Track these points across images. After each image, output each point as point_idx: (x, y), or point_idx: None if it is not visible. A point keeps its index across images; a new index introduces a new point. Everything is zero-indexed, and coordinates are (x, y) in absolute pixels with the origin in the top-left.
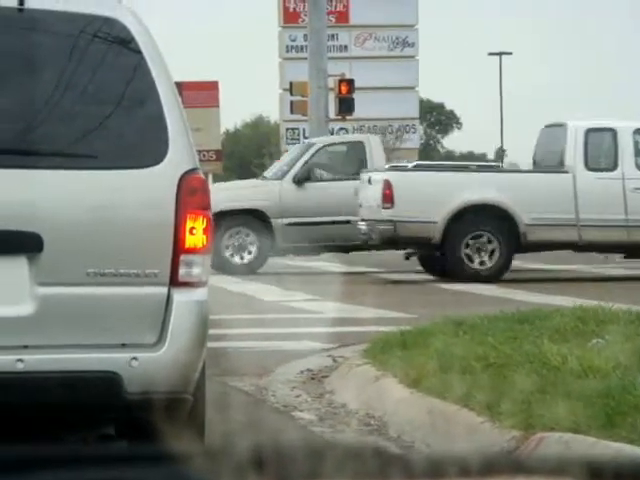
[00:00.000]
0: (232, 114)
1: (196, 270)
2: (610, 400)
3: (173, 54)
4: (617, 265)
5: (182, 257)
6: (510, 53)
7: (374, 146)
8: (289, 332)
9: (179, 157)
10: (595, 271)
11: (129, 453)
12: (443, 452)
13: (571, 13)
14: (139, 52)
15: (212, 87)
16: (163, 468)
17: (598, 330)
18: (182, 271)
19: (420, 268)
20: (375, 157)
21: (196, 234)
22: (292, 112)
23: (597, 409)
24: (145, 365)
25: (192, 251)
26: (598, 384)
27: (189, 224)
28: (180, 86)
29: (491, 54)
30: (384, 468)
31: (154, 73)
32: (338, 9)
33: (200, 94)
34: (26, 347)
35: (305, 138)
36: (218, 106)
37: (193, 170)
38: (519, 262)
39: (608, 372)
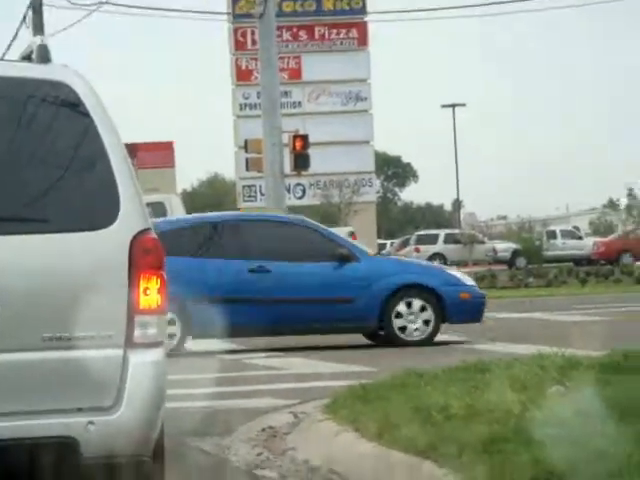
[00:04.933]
0: (188, 173)
1: (151, 330)
2: (572, 447)
3: (127, 115)
4: (575, 312)
5: (137, 318)
6: (464, 105)
7: (175, 206)
8: (250, 389)
9: (130, 218)
10: (554, 318)
11: None
12: None
13: (526, 64)
14: (87, 115)
15: (167, 147)
16: None
17: (558, 377)
18: (137, 332)
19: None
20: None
21: (150, 294)
22: (248, 169)
23: (559, 456)
24: (102, 429)
25: (147, 312)
26: (560, 431)
27: (143, 285)
28: (135, 147)
29: (444, 106)
30: None
31: (103, 135)
32: (290, 66)
33: (155, 155)
34: None
35: (262, 195)
36: (174, 166)
37: (145, 230)
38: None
39: (569, 419)
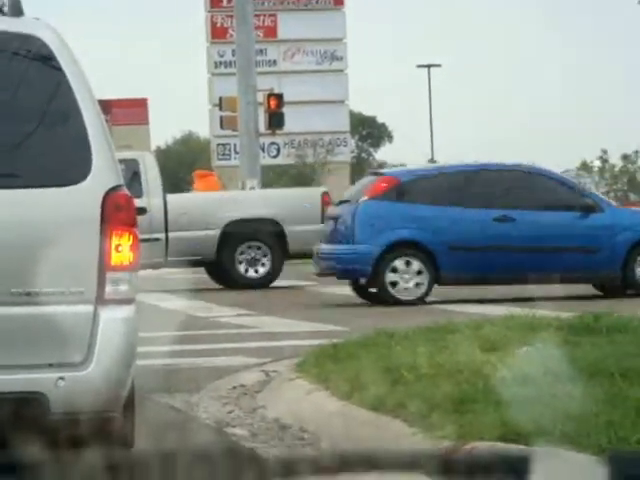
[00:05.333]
0: (162, 131)
1: (123, 287)
2: (541, 407)
3: (101, 71)
4: None
5: (108, 274)
6: (439, 65)
7: (148, 163)
8: (222, 347)
9: (103, 174)
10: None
11: None
12: (296, 454)
13: (504, 27)
14: (60, 69)
15: (141, 104)
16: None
17: (528, 338)
18: (109, 288)
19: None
20: (150, 175)
21: (122, 251)
22: (222, 127)
23: (527, 416)
24: (72, 385)
25: (119, 268)
26: (529, 391)
27: (115, 241)
28: (109, 104)
29: (420, 66)
30: (237, 469)
31: (76, 90)
32: (266, 24)
33: (130, 111)
34: None
35: (236, 153)
36: (148, 123)
37: (117, 187)
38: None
39: (538, 379)
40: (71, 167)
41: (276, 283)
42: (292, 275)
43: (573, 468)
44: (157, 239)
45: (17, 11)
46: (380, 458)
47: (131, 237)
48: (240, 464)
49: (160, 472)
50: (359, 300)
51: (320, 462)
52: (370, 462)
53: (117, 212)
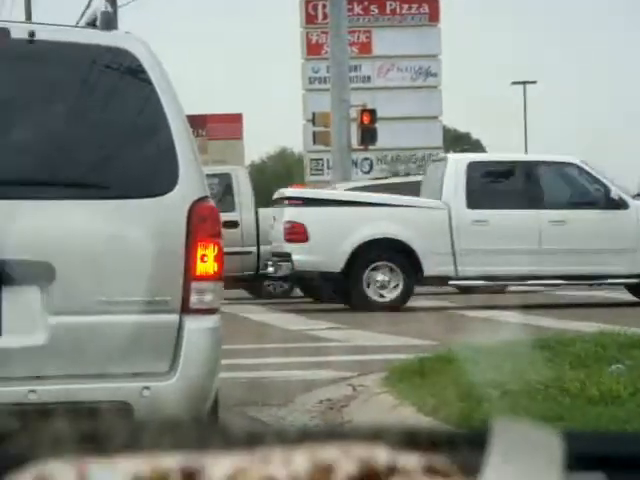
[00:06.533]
0: (257, 146)
1: (208, 297)
2: (627, 427)
3: (197, 87)
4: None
5: (193, 284)
6: (534, 82)
7: (241, 178)
8: (310, 361)
9: (189, 186)
10: (609, 296)
11: None
12: (260, 427)
13: (600, 42)
14: (149, 82)
15: (236, 119)
16: None
17: (619, 356)
18: (193, 298)
19: (446, 294)
20: (242, 189)
21: (207, 261)
22: (315, 143)
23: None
24: (157, 394)
25: (203, 278)
26: (616, 411)
27: (200, 252)
28: (204, 118)
29: (515, 83)
30: (203, 437)
31: (164, 103)
32: (360, 40)
33: (224, 126)
34: (38, 377)
35: (329, 168)
36: (242, 138)
37: (203, 198)
38: (543, 287)
39: (626, 399)
40: (158, 179)
41: None
42: None
43: (531, 442)
44: (249, 252)
45: (108, 25)
46: (342, 432)
47: (216, 248)
48: (206, 433)
49: (127, 438)
50: (448, 315)
51: (284, 434)
52: (333, 435)
53: (202, 223)
